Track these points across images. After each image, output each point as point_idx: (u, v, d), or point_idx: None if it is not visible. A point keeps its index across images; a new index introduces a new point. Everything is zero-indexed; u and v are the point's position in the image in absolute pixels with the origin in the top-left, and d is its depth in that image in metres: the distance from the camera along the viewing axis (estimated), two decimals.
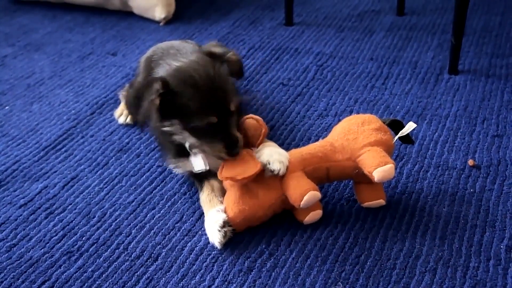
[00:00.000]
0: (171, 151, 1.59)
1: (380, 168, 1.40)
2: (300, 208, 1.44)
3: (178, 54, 1.63)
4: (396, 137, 1.54)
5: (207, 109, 1.41)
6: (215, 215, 1.46)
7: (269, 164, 1.44)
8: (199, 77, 1.42)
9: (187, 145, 1.54)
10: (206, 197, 1.54)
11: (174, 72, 1.45)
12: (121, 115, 1.98)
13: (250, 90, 2.14)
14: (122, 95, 2.03)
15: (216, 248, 1.44)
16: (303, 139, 1.84)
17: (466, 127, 1.87)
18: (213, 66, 1.46)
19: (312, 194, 1.41)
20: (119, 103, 2.04)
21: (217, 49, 1.54)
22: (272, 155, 1.46)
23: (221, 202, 1.50)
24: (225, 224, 1.44)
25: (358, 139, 1.49)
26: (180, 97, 1.41)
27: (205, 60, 1.48)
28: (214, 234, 1.44)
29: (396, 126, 1.56)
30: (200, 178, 1.58)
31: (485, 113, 1.94)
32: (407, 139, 1.57)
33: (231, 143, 1.45)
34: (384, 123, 1.55)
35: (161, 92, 1.40)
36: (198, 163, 1.53)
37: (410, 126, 1.52)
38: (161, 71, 1.49)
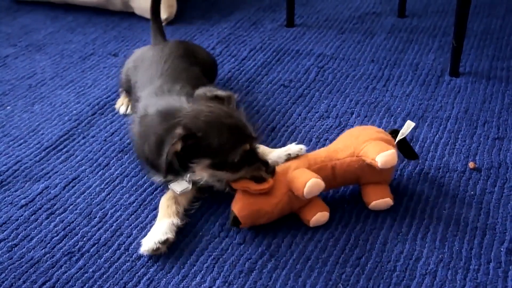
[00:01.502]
0: (162, 172, 1.51)
1: (382, 153, 1.46)
2: (305, 198, 1.45)
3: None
4: (398, 138, 1.56)
5: (238, 141, 1.44)
6: (165, 227, 1.46)
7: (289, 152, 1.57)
8: (219, 116, 1.45)
9: (210, 180, 1.54)
10: (165, 201, 1.54)
11: (192, 118, 1.45)
12: (122, 105, 2.03)
13: (251, 91, 2.14)
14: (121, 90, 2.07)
15: (217, 249, 1.44)
16: (304, 141, 1.84)
17: (467, 130, 1.87)
18: (223, 104, 1.52)
19: (315, 182, 1.43)
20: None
21: (219, 92, 1.56)
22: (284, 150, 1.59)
23: (176, 213, 1.51)
24: (166, 242, 1.44)
25: (360, 137, 1.55)
26: (204, 139, 1.42)
27: (213, 102, 1.51)
28: (150, 243, 1.42)
29: (403, 147, 1.62)
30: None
31: (486, 116, 1.94)
32: (410, 153, 1.61)
33: (266, 163, 1.49)
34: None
35: (184, 136, 1.40)
36: (181, 185, 1.54)
37: (409, 126, 1.54)
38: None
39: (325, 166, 1.53)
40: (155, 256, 1.43)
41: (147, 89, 1.71)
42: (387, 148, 1.48)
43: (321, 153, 1.57)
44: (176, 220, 1.49)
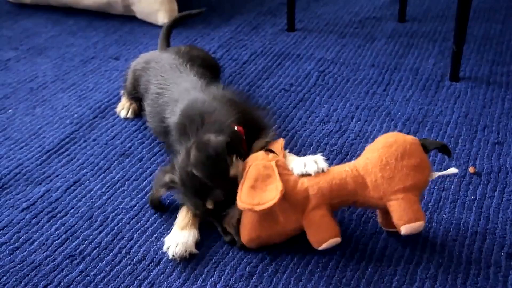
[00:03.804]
0: None
1: (409, 225, 1.34)
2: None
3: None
4: (436, 175, 1.43)
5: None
6: (193, 237, 1.46)
7: (305, 167, 1.41)
8: None
9: None
10: (186, 213, 1.52)
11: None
12: (122, 109, 2.04)
13: (252, 95, 2.14)
14: (123, 92, 2.09)
15: (218, 253, 1.45)
16: (304, 145, 1.84)
17: (467, 134, 1.88)
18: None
19: (333, 241, 1.37)
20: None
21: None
22: (303, 160, 1.44)
23: (198, 224, 1.51)
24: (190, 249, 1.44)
25: (393, 179, 1.36)
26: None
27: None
28: (181, 249, 1.42)
29: (442, 150, 1.44)
30: None
31: (486, 121, 1.95)
32: (445, 150, 1.43)
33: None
34: (427, 148, 1.41)
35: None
36: None
37: (451, 171, 1.44)
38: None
39: (348, 201, 1.41)
40: (156, 259, 1.43)
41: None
42: (416, 217, 1.34)
43: (347, 184, 1.38)
44: (197, 233, 1.50)
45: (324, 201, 1.38)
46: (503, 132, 1.88)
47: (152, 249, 1.46)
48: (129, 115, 2.01)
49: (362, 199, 1.40)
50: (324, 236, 1.37)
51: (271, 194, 1.34)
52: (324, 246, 1.37)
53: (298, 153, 1.72)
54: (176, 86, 1.79)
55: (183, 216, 1.52)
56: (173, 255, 1.42)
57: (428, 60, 2.35)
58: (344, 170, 1.41)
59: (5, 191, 1.68)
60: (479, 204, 1.58)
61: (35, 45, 2.61)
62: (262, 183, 1.38)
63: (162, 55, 2.02)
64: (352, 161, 1.46)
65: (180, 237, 1.45)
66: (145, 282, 1.37)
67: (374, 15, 2.81)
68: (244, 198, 1.36)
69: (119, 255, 1.45)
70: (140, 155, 1.83)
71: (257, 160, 1.43)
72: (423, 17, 2.76)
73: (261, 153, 1.47)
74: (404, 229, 1.35)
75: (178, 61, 1.91)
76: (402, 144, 1.38)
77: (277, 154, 1.46)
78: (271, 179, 1.38)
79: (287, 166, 1.44)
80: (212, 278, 1.38)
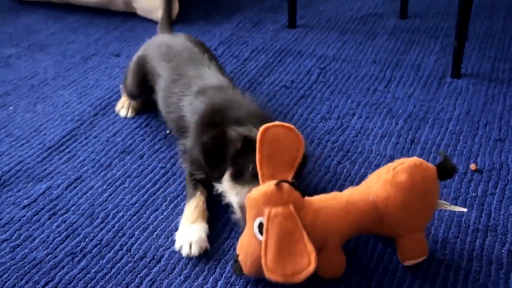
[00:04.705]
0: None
1: (413, 261, 1.35)
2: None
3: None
4: (442, 205, 1.37)
5: None
6: (200, 231, 1.44)
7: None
8: None
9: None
10: (195, 207, 1.50)
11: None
12: (123, 108, 2.02)
13: (253, 92, 2.14)
14: (122, 90, 2.06)
15: (219, 250, 1.44)
16: (306, 142, 1.84)
17: (469, 131, 1.87)
18: None
19: (337, 274, 1.35)
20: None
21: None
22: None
23: (207, 219, 1.49)
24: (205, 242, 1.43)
25: (411, 221, 1.31)
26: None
27: None
28: (196, 247, 1.41)
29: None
30: (195, 183, 1.57)
31: (487, 117, 1.94)
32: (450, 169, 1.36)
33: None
34: (443, 175, 1.35)
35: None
36: None
37: (460, 209, 1.40)
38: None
39: (360, 233, 1.39)
40: (158, 256, 1.43)
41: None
42: (419, 254, 1.34)
43: (365, 224, 1.32)
44: (207, 227, 1.48)
45: (341, 242, 1.33)
46: (505, 129, 1.88)
47: (153, 247, 1.46)
48: (129, 114, 1.99)
49: (373, 231, 1.39)
50: (333, 273, 1.35)
51: (302, 260, 1.19)
52: (329, 277, 1.35)
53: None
54: (199, 78, 1.73)
55: (192, 209, 1.50)
56: (187, 255, 1.41)
57: (430, 57, 2.35)
58: (364, 211, 1.31)
59: (6, 188, 1.68)
60: (481, 201, 1.58)
61: (36, 42, 2.60)
62: (288, 242, 1.21)
63: (172, 39, 1.95)
64: (371, 187, 1.33)
65: (192, 234, 1.43)
66: (146, 280, 1.37)
67: (376, 11, 2.80)
68: (273, 267, 1.19)
69: (120, 252, 1.45)
70: (141, 152, 1.83)
71: (272, 205, 1.24)
72: (424, 14, 2.75)
73: (273, 189, 1.26)
74: (407, 263, 1.36)
75: (195, 49, 1.87)
76: (426, 183, 1.31)
77: (290, 184, 1.28)
78: (296, 236, 1.22)
79: (302, 202, 1.29)
80: (213, 276, 1.38)
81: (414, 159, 1.34)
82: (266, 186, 1.27)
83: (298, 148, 1.36)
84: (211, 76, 1.74)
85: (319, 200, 1.33)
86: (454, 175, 1.40)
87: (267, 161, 1.32)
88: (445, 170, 1.34)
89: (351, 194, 1.35)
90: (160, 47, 1.91)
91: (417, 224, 1.33)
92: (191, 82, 1.73)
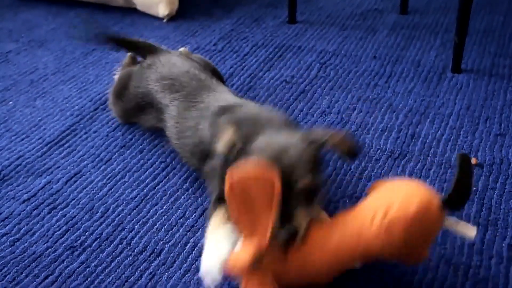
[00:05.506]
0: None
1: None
2: None
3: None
4: (449, 224, 1.24)
5: None
6: (227, 253, 1.27)
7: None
8: None
9: None
10: (219, 220, 1.37)
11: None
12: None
13: (253, 87, 2.14)
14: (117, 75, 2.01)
15: None
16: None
17: (469, 126, 1.87)
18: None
19: None
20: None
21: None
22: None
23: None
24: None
25: (414, 250, 1.22)
26: None
27: None
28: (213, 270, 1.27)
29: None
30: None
31: (488, 112, 1.94)
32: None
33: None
34: (447, 208, 1.22)
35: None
36: None
37: (469, 231, 1.23)
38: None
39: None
40: (157, 250, 1.43)
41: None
42: (420, 259, 1.25)
43: (369, 255, 1.24)
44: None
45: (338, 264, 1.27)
46: (505, 123, 1.88)
47: (153, 240, 1.46)
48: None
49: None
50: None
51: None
52: None
53: None
54: (213, 99, 1.63)
55: (217, 223, 1.36)
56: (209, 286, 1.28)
57: (430, 52, 2.34)
58: (350, 262, 1.27)
59: (6, 183, 1.68)
60: (481, 195, 1.58)
61: (35, 37, 2.60)
62: None
63: (168, 58, 1.84)
64: (363, 234, 1.20)
65: (220, 257, 1.27)
66: (146, 273, 1.37)
67: (376, 7, 2.80)
68: None
69: (120, 246, 1.45)
70: (141, 146, 1.82)
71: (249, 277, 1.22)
72: (425, 9, 2.75)
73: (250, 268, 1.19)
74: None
75: (197, 70, 1.77)
76: (431, 218, 1.19)
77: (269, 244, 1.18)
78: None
79: (284, 264, 1.24)
80: None
81: (414, 208, 1.16)
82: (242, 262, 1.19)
83: (272, 189, 1.16)
84: (227, 97, 1.65)
85: (303, 254, 1.24)
86: (466, 201, 1.24)
87: (244, 210, 1.20)
88: (455, 201, 1.20)
89: (340, 241, 1.23)
90: (163, 81, 1.76)
91: (418, 251, 1.23)
92: (209, 105, 1.60)
